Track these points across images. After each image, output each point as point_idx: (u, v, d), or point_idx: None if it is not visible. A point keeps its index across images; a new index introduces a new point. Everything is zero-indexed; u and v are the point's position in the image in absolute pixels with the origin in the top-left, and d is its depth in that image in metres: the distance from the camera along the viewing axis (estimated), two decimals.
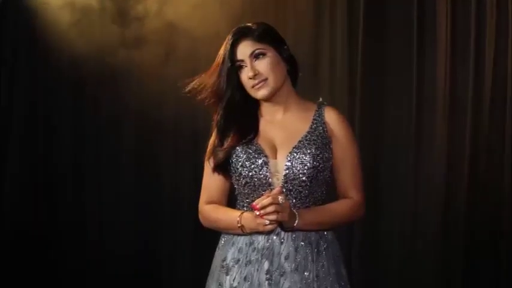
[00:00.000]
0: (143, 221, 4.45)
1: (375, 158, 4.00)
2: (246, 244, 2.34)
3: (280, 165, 2.31)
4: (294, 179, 2.30)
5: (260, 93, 2.35)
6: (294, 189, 2.31)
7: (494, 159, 3.77)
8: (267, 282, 2.29)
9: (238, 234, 2.35)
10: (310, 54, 4.11)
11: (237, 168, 2.34)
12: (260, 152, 2.33)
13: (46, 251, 4.43)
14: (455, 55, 3.84)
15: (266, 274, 2.29)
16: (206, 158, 2.43)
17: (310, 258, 2.31)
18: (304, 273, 2.29)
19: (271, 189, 2.27)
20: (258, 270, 2.30)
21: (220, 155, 2.37)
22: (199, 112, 4.16)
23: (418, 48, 3.92)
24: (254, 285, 2.30)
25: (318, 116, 2.39)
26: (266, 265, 2.30)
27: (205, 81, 2.38)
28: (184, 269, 4.41)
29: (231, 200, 2.45)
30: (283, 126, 2.38)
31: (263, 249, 2.31)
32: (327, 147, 2.35)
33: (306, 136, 2.34)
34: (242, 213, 2.32)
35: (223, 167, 2.38)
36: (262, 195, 2.26)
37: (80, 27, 4.35)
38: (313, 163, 2.30)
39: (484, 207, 3.80)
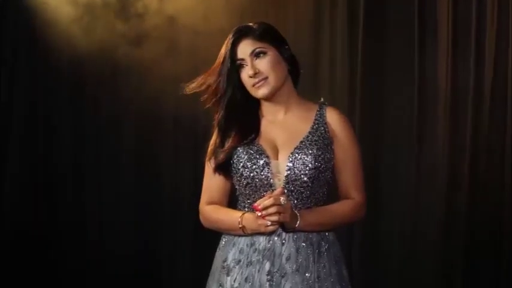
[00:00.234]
0: (143, 221, 4.45)
1: (375, 158, 4.00)
2: (247, 245, 2.33)
3: (282, 165, 2.30)
4: (295, 180, 2.29)
5: (260, 92, 2.35)
6: (295, 190, 2.30)
7: (494, 159, 3.77)
8: (268, 283, 2.28)
9: (239, 235, 2.34)
10: (310, 54, 4.11)
11: (238, 169, 2.33)
12: (261, 153, 2.33)
13: (46, 251, 4.43)
14: (456, 55, 3.84)
15: (267, 275, 2.29)
16: (207, 158, 2.42)
17: (311, 259, 2.31)
18: (305, 274, 2.29)
19: (273, 190, 2.27)
20: (259, 271, 2.30)
21: (221, 155, 2.36)
22: (200, 112, 4.12)
23: (419, 47, 3.92)
24: (255, 286, 2.29)
25: (320, 117, 2.38)
26: (267, 266, 2.30)
27: (206, 80, 2.38)
28: (184, 269, 4.41)
29: (232, 201, 2.45)
30: (284, 127, 2.38)
31: (264, 250, 2.31)
32: (329, 147, 2.34)
33: (308, 137, 2.34)
34: (243, 214, 2.31)
35: (224, 168, 2.37)
36: (263, 196, 2.26)
37: (80, 26, 4.35)
38: (314, 164, 2.29)
39: (485, 207, 3.80)
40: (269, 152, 2.33)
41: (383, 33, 4.05)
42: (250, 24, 2.39)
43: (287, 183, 2.29)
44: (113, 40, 4.36)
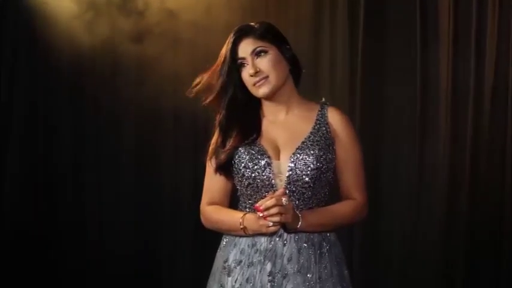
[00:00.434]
0: (143, 221, 4.44)
1: (375, 158, 4.00)
2: (248, 245, 2.33)
3: (283, 166, 2.30)
4: (297, 180, 2.29)
5: (261, 91, 2.34)
6: (297, 191, 2.30)
7: (495, 159, 3.76)
8: (269, 284, 2.28)
9: (241, 236, 2.34)
10: (310, 54, 4.10)
11: (240, 169, 2.33)
12: (263, 153, 2.32)
13: (46, 251, 4.43)
14: (457, 55, 3.84)
15: (268, 276, 2.28)
16: (208, 157, 2.42)
17: (313, 259, 2.31)
18: (307, 275, 2.29)
19: (274, 191, 2.27)
20: (260, 271, 2.30)
21: (223, 156, 2.36)
22: (200, 112, 4.15)
23: (421, 47, 3.92)
24: (256, 287, 2.29)
25: (321, 117, 2.38)
26: (269, 267, 2.29)
27: (208, 80, 2.38)
28: (184, 269, 4.41)
29: (233, 201, 2.45)
30: (286, 127, 2.37)
31: (266, 250, 2.30)
32: (330, 148, 2.34)
33: (309, 137, 2.34)
34: (245, 214, 2.31)
35: (226, 168, 2.37)
36: (265, 196, 2.26)
37: (80, 26, 4.34)
38: (316, 164, 2.29)
39: (485, 207, 3.80)
40: (270, 152, 2.33)
41: (383, 33, 4.05)
42: (252, 23, 2.39)
43: (289, 183, 2.29)
44: (112, 39, 4.35)
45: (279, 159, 2.32)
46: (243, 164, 2.32)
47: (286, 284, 2.27)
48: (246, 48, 2.34)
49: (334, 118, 2.38)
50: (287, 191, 2.26)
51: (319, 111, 2.39)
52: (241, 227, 2.29)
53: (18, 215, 4.41)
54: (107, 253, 4.46)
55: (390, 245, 4.04)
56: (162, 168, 4.45)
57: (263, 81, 2.33)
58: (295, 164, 2.29)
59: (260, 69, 2.33)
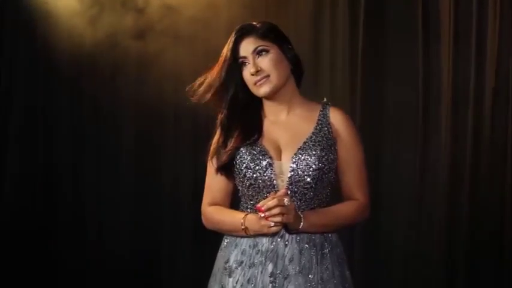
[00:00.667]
0: (143, 221, 4.44)
1: (375, 158, 3.99)
2: (249, 246, 2.32)
3: (285, 166, 2.30)
4: (298, 181, 2.28)
5: (262, 90, 2.34)
6: (298, 191, 2.29)
7: (496, 159, 3.76)
8: (270, 285, 2.27)
9: (242, 236, 2.33)
10: (310, 54, 4.09)
11: (241, 170, 2.32)
12: (264, 154, 2.32)
13: (46, 250, 4.43)
14: (457, 55, 3.83)
15: (270, 277, 2.28)
16: (209, 157, 2.41)
17: (314, 260, 2.30)
18: (308, 276, 2.28)
19: (276, 191, 2.26)
20: (261, 272, 2.29)
21: (224, 156, 2.35)
22: (200, 112, 4.14)
23: (422, 47, 3.91)
24: None
25: (323, 117, 2.37)
26: (270, 268, 2.29)
27: (209, 79, 2.37)
28: (184, 269, 4.40)
29: (234, 202, 2.44)
30: (287, 127, 2.37)
31: (267, 251, 2.30)
32: (332, 148, 2.34)
33: (311, 137, 2.33)
34: (246, 215, 2.30)
35: (227, 168, 2.36)
36: (266, 197, 2.25)
37: (80, 25, 4.33)
38: (318, 165, 2.28)
39: (486, 207, 3.79)
40: (272, 152, 2.32)
41: (383, 33, 4.04)
42: (254, 23, 2.38)
43: (290, 184, 2.28)
44: (112, 38, 4.34)
45: (280, 159, 2.32)
46: (244, 165, 2.32)
47: (287, 285, 2.27)
48: (247, 47, 2.34)
49: (336, 118, 2.37)
50: (289, 192, 2.26)
51: (320, 111, 2.39)
52: (243, 227, 2.28)
53: (18, 215, 4.40)
54: (107, 253, 4.45)
55: (391, 245, 4.03)
56: (162, 169, 4.45)
57: (264, 80, 2.33)
58: (297, 165, 2.28)
59: (261, 68, 2.32)
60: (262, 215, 2.19)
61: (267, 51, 2.33)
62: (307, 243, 2.30)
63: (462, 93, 3.83)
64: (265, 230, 2.23)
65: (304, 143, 2.32)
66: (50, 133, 4.47)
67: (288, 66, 2.37)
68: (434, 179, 3.92)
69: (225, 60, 2.35)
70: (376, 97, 4.05)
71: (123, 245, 4.44)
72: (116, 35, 4.34)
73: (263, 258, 2.30)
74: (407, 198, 3.99)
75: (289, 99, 2.39)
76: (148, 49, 4.31)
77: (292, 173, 2.28)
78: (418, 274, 3.96)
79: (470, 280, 3.82)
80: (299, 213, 2.25)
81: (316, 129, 2.35)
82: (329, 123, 2.36)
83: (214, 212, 2.40)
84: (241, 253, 2.34)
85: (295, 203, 2.27)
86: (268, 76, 2.32)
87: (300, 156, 2.29)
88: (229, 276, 2.34)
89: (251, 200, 2.34)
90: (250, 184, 2.31)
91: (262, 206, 2.18)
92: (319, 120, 2.37)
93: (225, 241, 2.41)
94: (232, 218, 2.33)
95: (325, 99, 2.43)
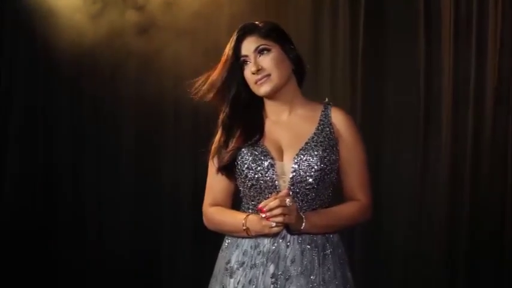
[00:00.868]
0: (143, 221, 4.44)
1: (376, 158, 3.99)
2: (251, 247, 2.32)
3: (287, 167, 2.29)
4: (300, 182, 2.27)
5: (263, 89, 2.33)
6: (300, 192, 2.29)
7: (496, 159, 3.76)
8: (272, 286, 2.26)
9: (243, 237, 2.32)
10: (310, 53, 4.09)
11: (243, 170, 2.31)
12: (266, 154, 2.31)
13: (46, 250, 4.43)
14: (458, 54, 3.83)
15: (271, 278, 2.27)
16: (211, 156, 2.41)
17: (316, 261, 2.29)
18: (310, 277, 2.28)
19: (278, 192, 2.25)
20: (263, 273, 2.28)
21: (226, 157, 2.34)
22: (200, 112, 4.17)
23: (423, 46, 3.91)
24: None
25: (325, 117, 2.36)
26: (272, 268, 2.28)
27: (212, 78, 2.36)
28: (184, 269, 4.40)
29: (235, 202, 2.44)
30: (289, 127, 2.36)
31: (269, 252, 2.29)
32: (334, 148, 2.33)
33: (313, 138, 2.32)
34: (247, 215, 2.29)
35: (228, 169, 2.36)
36: (268, 197, 2.25)
37: (80, 25, 4.32)
38: (320, 165, 2.28)
39: (486, 207, 3.79)
40: (274, 153, 2.32)
41: (384, 32, 4.04)
42: (256, 22, 2.38)
43: (292, 184, 2.28)
44: (112, 36, 4.32)
45: (282, 160, 2.31)
46: (246, 165, 2.31)
47: (289, 286, 2.26)
48: (249, 46, 2.33)
49: (338, 118, 2.36)
50: (291, 192, 2.25)
51: (322, 111, 2.38)
52: (244, 228, 2.28)
53: (18, 215, 4.40)
54: (107, 253, 4.45)
55: (391, 245, 4.03)
56: (162, 169, 4.45)
57: (265, 79, 2.32)
58: (298, 165, 2.28)
59: (262, 67, 2.32)
60: (264, 215, 2.18)
61: (268, 50, 2.33)
62: (309, 244, 2.30)
63: (463, 93, 3.83)
64: (266, 231, 2.22)
65: (306, 143, 2.31)
66: (50, 133, 4.47)
67: (289, 66, 2.36)
68: (434, 179, 3.92)
69: (227, 59, 2.35)
70: (376, 97, 4.05)
71: (123, 245, 4.44)
72: (116, 33, 4.32)
73: (265, 259, 2.29)
74: (408, 198, 3.99)
75: (290, 99, 2.38)
76: (149, 47, 4.30)
77: (294, 173, 2.28)
78: (418, 274, 3.96)
79: (470, 280, 3.82)
80: (301, 214, 2.25)
81: (318, 129, 2.34)
82: (331, 124, 2.36)
83: (216, 212, 2.40)
84: (243, 254, 2.33)
85: (297, 203, 2.26)
86: (269, 75, 2.32)
87: (302, 156, 2.28)
88: (231, 277, 2.33)
89: (252, 201, 2.34)
90: (252, 185, 2.31)
91: (264, 206, 2.18)
92: (321, 120, 2.36)
93: (226, 242, 2.41)
94: (234, 218, 2.33)
95: (326, 99, 2.42)
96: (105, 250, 4.46)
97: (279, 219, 2.17)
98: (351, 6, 4.05)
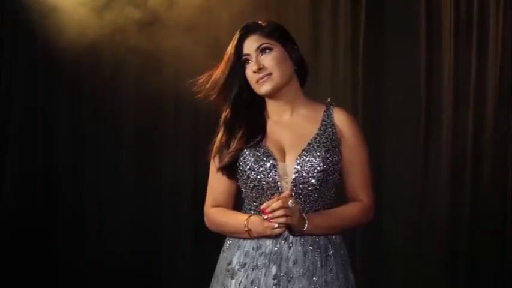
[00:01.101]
0: (143, 221, 4.43)
1: (377, 157, 3.98)
2: (253, 248, 2.31)
3: (289, 168, 2.28)
4: (303, 183, 2.27)
5: (263, 88, 2.33)
6: (303, 193, 2.28)
7: (497, 159, 3.76)
8: (274, 287, 2.26)
9: (245, 238, 2.32)
10: (310, 52, 4.09)
11: (245, 171, 2.31)
12: (268, 155, 2.30)
13: (46, 250, 4.42)
14: (459, 53, 3.83)
15: (274, 279, 2.27)
16: (212, 155, 2.40)
17: (318, 263, 2.29)
18: (312, 278, 2.27)
19: (280, 193, 2.25)
20: (265, 275, 2.28)
21: (227, 157, 2.34)
22: (200, 111, 4.17)
23: (424, 46, 3.91)
24: None
25: (327, 117, 2.36)
26: (274, 270, 2.27)
27: (214, 77, 2.36)
28: (184, 269, 4.40)
29: (237, 203, 2.43)
30: (291, 128, 2.35)
31: (271, 253, 2.29)
32: (337, 149, 2.32)
33: (315, 138, 2.32)
34: (249, 216, 2.29)
35: (229, 169, 2.35)
36: (270, 198, 2.25)
37: (80, 24, 4.31)
38: (323, 166, 2.27)
39: (487, 207, 3.79)
40: (276, 154, 2.31)
41: (385, 32, 4.03)
42: (259, 21, 2.38)
43: (294, 185, 2.27)
44: (113, 34, 4.31)
45: (284, 161, 2.30)
46: (248, 166, 2.30)
47: None
48: (251, 44, 2.33)
49: (340, 119, 2.36)
50: (293, 193, 2.24)
51: (324, 111, 2.37)
52: (246, 229, 2.27)
53: (18, 215, 4.40)
54: (107, 253, 4.45)
55: (391, 245, 4.03)
56: (162, 169, 4.45)
57: (266, 78, 2.32)
58: (301, 166, 2.27)
59: (264, 65, 2.31)
60: (266, 216, 2.18)
61: (270, 49, 2.33)
62: (311, 246, 2.29)
63: (463, 93, 3.83)
64: (268, 232, 2.21)
65: (309, 144, 2.30)
66: (50, 133, 4.46)
67: (291, 66, 2.36)
68: (435, 179, 3.92)
69: (229, 58, 2.35)
70: (377, 97, 4.05)
71: (123, 245, 4.44)
72: (118, 30, 4.31)
73: (267, 261, 2.29)
74: (408, 198, 3.99)
75: (292, 99, 2.38)
76: (149, 44, 4.29)
77: (297, 174, 2.27)
78: (418, 274, 3.96)
79: (470, 280, 3.83)
80: (303, 215, 2.24)
81: (320, 130, 2.34)
82: (333, 124, 2.35)
83: (217, 213, 2.39)
84: (244, 255, 2.32)
85: (300, 204, 2.26)
86: (270, 74, 2.31)
87: (304, 157, 2.28)
88: (232, 278, 2.33)
89: (254, 202, 2.34)
90: (254, 186, 2.30)
91: (266, 207, 2.17)
92: (323, 121, 2.36)
93: (228, 242, 2.40)
94: (235, 219, 2.32)
95: (328, 100, 2.42)
96: (105, 250, 4.46)
97: (282, 220, 2.17)
98: (352, 7, 4.05)
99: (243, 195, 2.39)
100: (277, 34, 2.35)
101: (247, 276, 2.30)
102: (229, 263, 2.35)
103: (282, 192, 2.25)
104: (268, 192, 2.29)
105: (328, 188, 2.32)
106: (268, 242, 2.30)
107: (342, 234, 2.41)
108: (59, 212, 4.46)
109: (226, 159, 2.34)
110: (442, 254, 3.89)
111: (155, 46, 4.27)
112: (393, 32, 4.03)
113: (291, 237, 2.28)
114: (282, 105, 2.38)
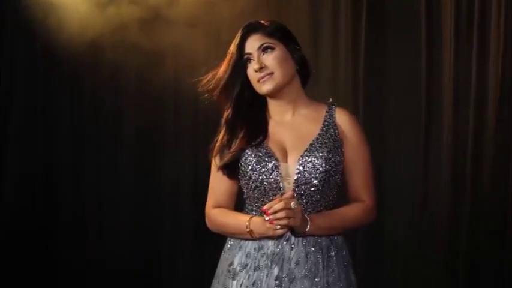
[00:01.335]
0: (143, 221, 4.43)
1: (378, 157, 3.98)
2: (254, 249, 2.31)
3: (291, 168, 2.28)
4: (305, 183, 2.26)
5: (265, 88, 2.32)
6: (305, 194, 2.27)
7: (498, 159, 3.76)
8: None
9: (247, 239, 2.31)
10: (311, 52, 4.08)
11: (247, 172, 2.30)
12: (270, 156, 2.30)
13: (46, 250, 4.42)
14: (460, 53, 3.83)
15: (275, 280, 2.26)
16: (213, 154, 2.39)
17: (320, 264, 2.28)
18: (314, 279, 2.26)
19: (282, 194, 2.24)
20: (267, 276, 2.27)
21: (228, 157, 2.33)
22: (200, 111, 4.17)
23: (424, 46, 3.91)
24: None
25: (329, 118, 2.35)
26: (276, 271, 2.26)
27: (217, 76, 2.36)
28: (184, 269, 4.40)
29: (238, 204, 2.43)
30: (293, 128, 2.35)
31: (273, 254, 2.28)
32: (339, 150, 2.32)
33: (318, 139, 2.31)
34: (251, 217, 2.28)
35: (230, 169, 2.34)
36: (272, 199, 2.24)
37: (80, 24, 4.31)
38: (325, 167, 2.27)
39: (488, 207, 3.79)
40: (278, 154, 2.30)
41: (386, 32, 4.03)
42: (262, 21, 2.37)
43: (297, 186, 2.26)
44: (113, 34, 4.31)
45: (286, 161, 2.30)
46: (250, 167, 2.30)
47: None
48: (253, 44, 2.33)
49: (343, 119, 2.36)
50: (295, 194, 2.24)
51: (326, 112, 2.37)
52: (248, 230, 2.27)
53: (18, 215, 4.40)
54: (107, 253, 4.45)
55: (391, 245, 4.03)
56: (162, 169, 4.44)
57: (267, 77, 2.31)
58: (303, 167, 2.26)
59: (265, 65, 2.31)
60: (267, 218, 2.17)
61: (272, 48, 2.32)
62: (313, 246, 2.29)
63: (464, 93, 3.83)
64: (270, 233, 2.21)
65: (311, 144, 2.30)
66: (50, 133, 4.46)
67: (293, 66, 2.35)
68: (435, 179, 3.92)
69: (231, 57, 2.34)
70: (377, 97, 4.04)
71: (123, 245, 4.44)
72: (118, 28, 4.30)
73: (269, 262, 2.28)
74: (408, 198, 3.99)
75: (294, 99, 2.37)
76: (150, 43, 4.28)
77: (299, 175, 2.26)
78: (418, 274, 3.96)
79: (470, 280, 3.82)
80: (305, 216, 2.23)
81: (322, 130, 2.33)
82: (335, 125, 2.35)
83: (218, 214, 2.39)
84: (246, 256, 2.32)
85: (302, 205, 2.25)
86: (271, 73, 2.31)
87: (307, 158, 2.27)
88: (233, 279, 2.32)
89: (256, 203, 2.33)
90: (256, 186, 2.30)
91: (268, 209, 2.16)
92: (325, 121, 2.35)
93: (229, 243, 2.40)
94: (237, 220, 2.32)
95: (330, 100, 2.41)
96: (105, 250, 4.46)
97: (284, 222, 2.16)
98: (353, 6, 4.05)
99: (244, 196, 2.38)
100: (280, 34, 2.35)
101: (249, 277, 2.29)
102: (231, 264, 2.35)
103: (284, 193, 2.25)
104: (270, 193, 2.28)
105: (331, 188, 2.32)
106: (270, 243, 2.29)
107: (344, 236, 2.40)
108: (59, 212, 4.46)
109: (226, 158, 2.33)
110: (442, 254, 3.88)
111: (156, 44, 4.26)
112: (394, 32, 4.02)
113: (293, 238, 2.28)
114: (284, 105, 2.38)
